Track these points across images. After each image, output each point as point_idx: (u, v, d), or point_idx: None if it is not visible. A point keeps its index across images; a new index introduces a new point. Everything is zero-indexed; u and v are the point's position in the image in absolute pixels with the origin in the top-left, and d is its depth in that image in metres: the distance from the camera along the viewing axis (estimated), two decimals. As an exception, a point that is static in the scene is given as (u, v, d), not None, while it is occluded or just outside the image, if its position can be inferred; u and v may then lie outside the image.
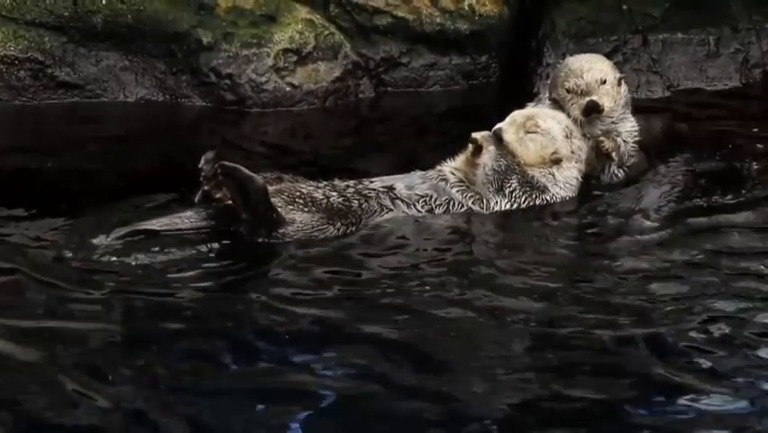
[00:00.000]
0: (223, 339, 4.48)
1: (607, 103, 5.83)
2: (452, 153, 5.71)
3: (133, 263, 5.00)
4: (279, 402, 4.05)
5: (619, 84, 5.92)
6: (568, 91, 5.84)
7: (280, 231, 5.17)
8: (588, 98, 5.79)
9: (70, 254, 5.08)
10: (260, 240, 5.18)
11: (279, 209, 5.20)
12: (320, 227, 5.24)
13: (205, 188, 5.25)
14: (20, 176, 6.14)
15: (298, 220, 5.21)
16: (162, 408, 3.99)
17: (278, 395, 4.10)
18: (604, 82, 5.84)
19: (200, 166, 5.26)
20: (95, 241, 5.14)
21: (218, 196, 5.24)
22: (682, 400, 4.06)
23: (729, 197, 5.75)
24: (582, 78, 5.82)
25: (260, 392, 4.11)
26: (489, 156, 5.55)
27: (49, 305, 4.69)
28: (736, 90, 7.36)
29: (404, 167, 5.80)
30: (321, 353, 4.38)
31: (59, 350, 4.30)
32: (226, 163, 5.11)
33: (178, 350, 4.39)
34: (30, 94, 7.05)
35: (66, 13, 7.06)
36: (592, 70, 5.85)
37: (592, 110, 5.80)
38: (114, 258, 5.03)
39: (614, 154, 5.85)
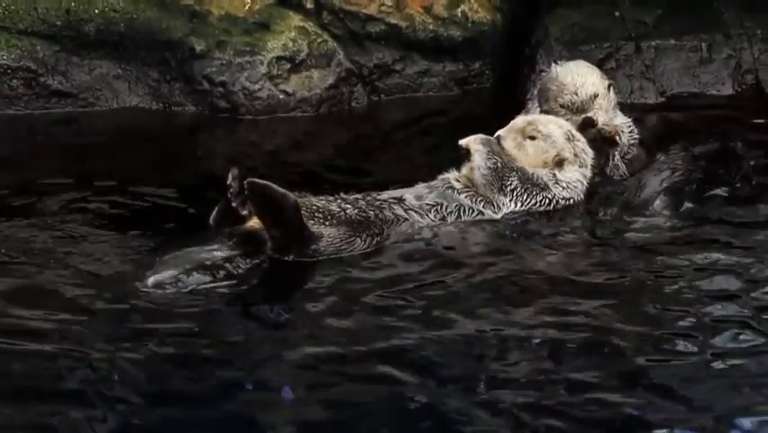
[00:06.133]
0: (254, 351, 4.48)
1: (601, 117, 5.86)
2: (448, 159, 5.68)
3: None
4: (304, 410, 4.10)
5: (609, 90, 5.94)
6: (562, 106, 5.87)
7: (312, 248, 5.09)
8: (583, 115, 5.82)
9: (66, 265, 5.07)
10: (288, 258, 5.06)
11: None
12: (347, 240, 5.14)
13: (234, 204, 5.05)
14: (14, 184, 6.10)
15: (326, 235, 5.11)
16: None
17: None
18: (596, 96, 5.86)
19: (228, 183, 5.06)
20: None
21: (245, 213, 5.06)
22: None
23: (731, 187, 5.80)
24: (577, 95, 5.85)
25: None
26: (479, 156, 5.53)
27: (45, 317, 4.69)
28: (728, 96, 7.37)
29: (399, 173, 5.79)
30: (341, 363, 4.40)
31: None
32: (256, 181, 4.95)
33: (203, 368, 4.36)
34: (23, 103, 7.03)
35: (58, 22, 7.05)
36: (585, 86, 5.87)
37: (588, 126, 5.82)
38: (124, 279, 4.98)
39: (617, 138, 5.85)
